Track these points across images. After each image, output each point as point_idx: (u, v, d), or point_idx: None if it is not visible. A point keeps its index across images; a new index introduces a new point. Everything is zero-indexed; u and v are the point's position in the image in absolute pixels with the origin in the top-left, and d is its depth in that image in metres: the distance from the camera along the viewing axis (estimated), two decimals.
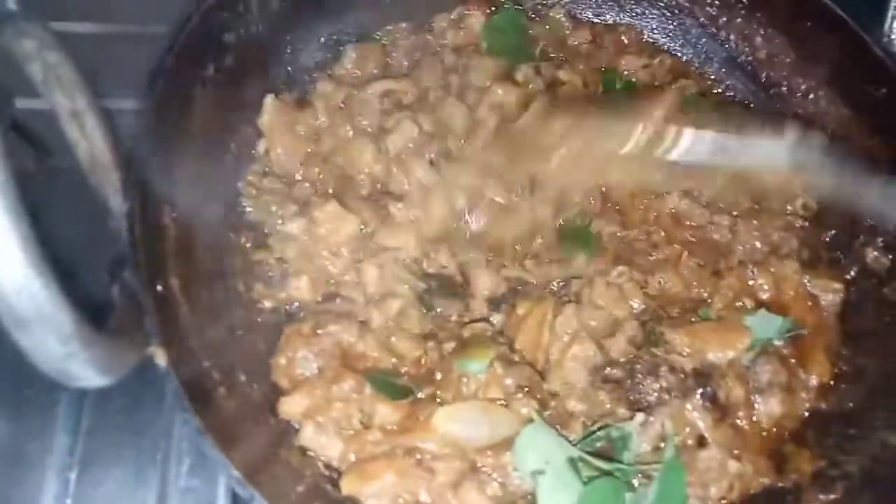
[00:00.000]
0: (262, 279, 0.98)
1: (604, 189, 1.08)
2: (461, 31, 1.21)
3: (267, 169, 1.06)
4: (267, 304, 0.97)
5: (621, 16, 1.28)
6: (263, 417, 0.87)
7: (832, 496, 0.87)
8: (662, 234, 1.05)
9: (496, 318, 0.97)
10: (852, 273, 1.03)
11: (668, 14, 1.26)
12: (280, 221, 1.00)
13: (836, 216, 1.07)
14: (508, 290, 1.00)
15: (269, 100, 1.07)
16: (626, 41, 1.26)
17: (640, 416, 0.88)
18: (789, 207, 1.09)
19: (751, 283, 1.01)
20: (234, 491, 0.79)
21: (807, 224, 1.08)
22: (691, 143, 0.97)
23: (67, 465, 0.92)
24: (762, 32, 1.18)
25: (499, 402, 0.88)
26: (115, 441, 0.93)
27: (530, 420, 0.86)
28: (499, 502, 0.85)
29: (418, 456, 0.85)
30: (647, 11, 1.27)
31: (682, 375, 0.91)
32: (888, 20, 1.21)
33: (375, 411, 0.87)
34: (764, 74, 1.19)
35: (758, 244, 1.04)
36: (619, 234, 1.05)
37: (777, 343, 0.97)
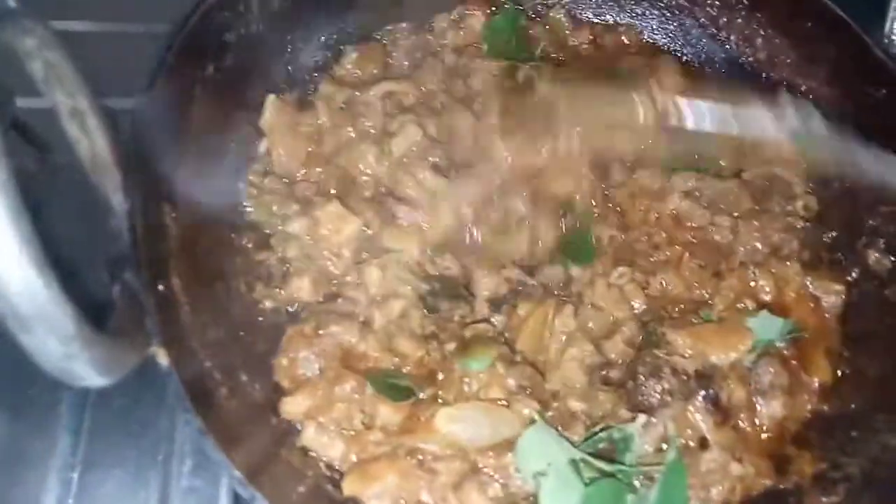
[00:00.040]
0: (263, 279, 0.98)
1: (607, 192, 1.08)
2: (461, 32, 1.21)
3: (268, 169, 1.06)
4: (268, 304, 0.97)
5: (621, 16, 1.28)
6: (265, 418, 0.87)
7: (833, 498, 0.87)
8: (663, 235, 1.05)
9: (497, 319, 0.97)
10: (854, 274, 1.03)
11: (669, 14, 1.26)
12: (281, 221, 1.00)
13: (837, 217, 1.07)
14: (510, 290, 1.00)
15: (270, 99, 1.07)
16: (626, 41, 1.26)
17: (641, 418, 0.87)
18: (790, 208, 1.08)
19: (752, 284, 1.01)
20: (235, 491, 0.79)
21: (808, 225, 1.07)
22: (691, 112, 1.01)
23: (69, 465, 0.91)
24: (763, 33, 1.18)
25: (500, 403, 0.88)
26: (118, 441, 0.93)
27: (532, 421, 0.86)
28: (500, 503, 0.85)
29: (420, 457, 0.85)
30: (647, 11, 1.27)
31: (685, 377, 0.91)
32: (889, 21, 1.21)
33: (377, 412, 0.87)
34: (764, 75, 1.19)
35: (759, 245, 1.04)
36: (620, 238, 1.04)
37: (778, 345, 0.97)
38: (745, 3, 1.18)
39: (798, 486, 0.90)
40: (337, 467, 0.87)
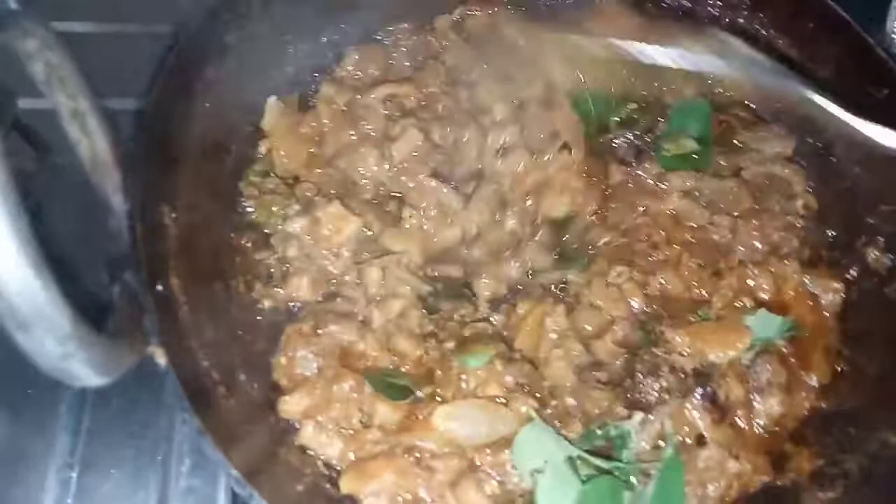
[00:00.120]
0: (262, 278, 0.99)
1: (607, 192, 1.09)
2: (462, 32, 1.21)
3: (268, 169, 1.06)
4: (267, 303, 0.97)
5: None
6: (263, 417, 0.88)
7: (831, 494, 0.87)
8: (662, 234, 1.05)
9: (496, 318, 0.97)
10: (853, 273, 1.03)
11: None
12: (281, 221, 1.01)
13: (836, 216, 1.07)
14: (509, 290, 1.01)
15: (271, 101, 1.08)
16: None
17: (638, 415, 0.88)
18: (789, 207, 1.08)
19: (751, 283, 1.01)
20: (234, 490, 0.80)
21: (807, 224, 1.07)
22: (641, 53, 1.08)
23: (68, 465, 0.92)
24: (764, 33, 1.18)
25: (498, 401, 0.88)
26: (116, 441, 0.93)
27: (529, 418, 0.87)
28: (497, 501, 0.85)
29: (417, 454, 0.86)
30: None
31: (683, 375, 0.92)
32: (889, 21, 1.20)
33: (375, 410, 0.87)
34: None
35: (758, 244, 1.04)
36: (616, 244, 1.05)
37: (777, 343, 0.97)
38: (748, 3, 1.18)
39: (796, 482, 0.90)
40: (335, 466, 0.87)
